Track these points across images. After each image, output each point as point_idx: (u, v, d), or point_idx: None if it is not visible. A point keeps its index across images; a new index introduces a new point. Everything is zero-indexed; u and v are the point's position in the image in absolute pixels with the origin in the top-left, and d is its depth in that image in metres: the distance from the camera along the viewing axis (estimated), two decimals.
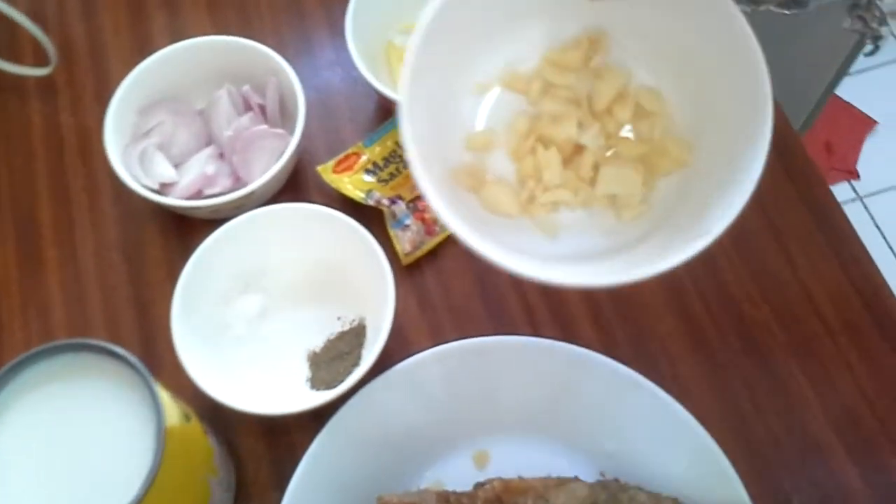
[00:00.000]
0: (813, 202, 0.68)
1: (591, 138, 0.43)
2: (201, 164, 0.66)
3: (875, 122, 1.85)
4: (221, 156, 0.67)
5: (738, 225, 0.66)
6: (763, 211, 0.67)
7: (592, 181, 0.43)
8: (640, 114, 0.43)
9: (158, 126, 0.67)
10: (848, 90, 1.83)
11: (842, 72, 0.96)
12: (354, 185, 0.66)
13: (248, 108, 0.68)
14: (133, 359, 0.45)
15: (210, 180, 0.65)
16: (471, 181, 0.44)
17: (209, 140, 0.69)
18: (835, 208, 0.68)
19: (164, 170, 0.65)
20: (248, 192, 0.62)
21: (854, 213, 1.73)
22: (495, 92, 0.44)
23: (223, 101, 0.67)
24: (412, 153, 0.38)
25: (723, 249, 0.66)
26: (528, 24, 0.42)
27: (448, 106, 0.43)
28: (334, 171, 0.67)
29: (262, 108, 0.68)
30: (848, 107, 1.86)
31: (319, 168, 0.68)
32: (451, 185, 0.43)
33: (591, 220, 0.44)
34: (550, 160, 0.43)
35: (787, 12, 0.73)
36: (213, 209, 0.63)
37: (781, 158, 0.70)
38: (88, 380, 0.46)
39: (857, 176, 1.80)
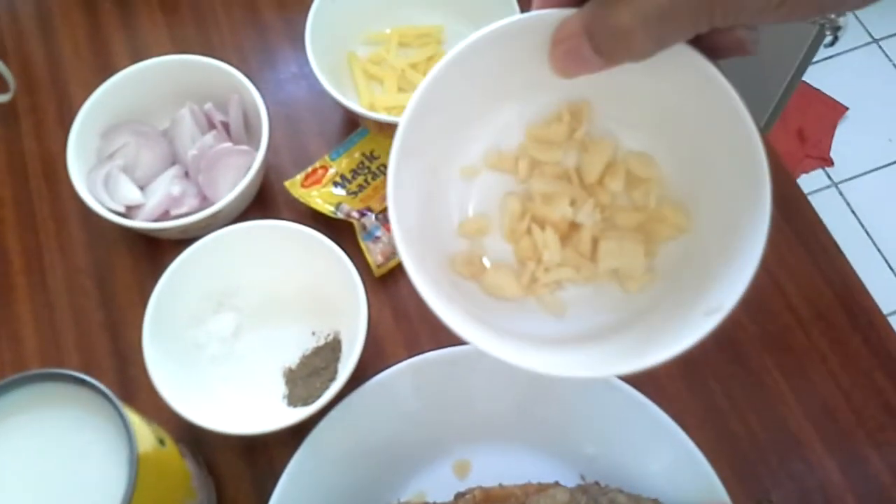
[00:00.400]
0: (779, 195, 0.67)
1: (586, 216, 0.41)
2: (167, 185, 0.65)
3: (846, 108, 1.86)
4: (187, 175, 0.67)
5: None
6: None
7: (593, 256, 0.41)
8: (632, 182, 0.41)
9: (122, 148, 0.66)
10: (818, 77, 1.85)
11: (805, 61, 0.97)
12: (323, 198, 0.66)
13: (211, 126, 0.68)
14: (103, 387, 0.44)
15: (176, 201, 0.65)
16: (469, 269, 0.42)
17: (174, 160, 0.68)
18: (801, 200, 0.68)
19: (129, 192, 0.65)
20: (214, 212, 0.62)
21: (829, 200, 1.76)
22: (483, 174, 0.43)
23: (186, 121, 0.67)
24: (404, 253, 0.37)
25: None
26: (506, 103, 0.41)
27: (437, 195, 0.42)
28: (302, 186, 0.67)
29: (226, 126, 0.67)
30: (818, 94, 1.87)
31: (287, 183, 0.67)
32: (450, 274, 0.42)
33: (598, 295, 0.42)
34: (548, 240, 0.41)
35: None
36: (181, 230, 0.62)
37: None
38: (61, 409, 0.45)
39: (830, 163, 1.81)
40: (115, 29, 0.78)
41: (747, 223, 0.36)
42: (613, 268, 0.41)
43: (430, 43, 0.74)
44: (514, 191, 0.43)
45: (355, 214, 0.65)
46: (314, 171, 0.68)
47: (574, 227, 0.42)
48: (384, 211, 0.66)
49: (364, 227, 0.65)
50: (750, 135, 0.35)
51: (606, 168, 0.41)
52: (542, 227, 0.42)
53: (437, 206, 0.42)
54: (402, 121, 0.37)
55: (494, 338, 0.38)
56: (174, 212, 0.65)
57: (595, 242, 0.41)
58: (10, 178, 0.71)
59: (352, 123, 0.71)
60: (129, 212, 0.65)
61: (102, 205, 0.63)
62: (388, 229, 0.63)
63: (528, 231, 0.42)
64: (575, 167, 0.42)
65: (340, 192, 0.67)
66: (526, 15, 0.35)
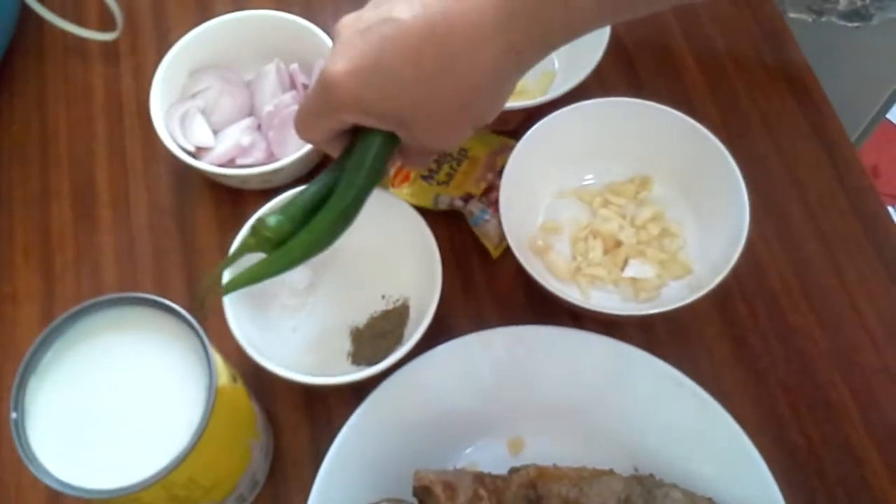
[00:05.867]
0: (864, 213, 0.67)
1: (626, 236, 0.64)
2: (238, 134, 0.66)
3: None
4: (260, 128, 0.68)
5: (789, 234, 0.66)
6: (814, 220, 0.67)
7: (622, 269, 0.63)
8: (664, 234, 0.65)
9: (205, 90, 0.68)
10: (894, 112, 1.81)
11: (892, 100, 0.94)
12: (416, 195, 0.67)
13: (293, 85, 0.69)
14: (188, 315, 0.45)
15: (244, 151, 0.66)
16: (540, 248, 0.65)
17: (251, 111, 0.69)
18: (886, 220, 0.67)
19: (202, 133, 0.66)
20: (275, 169, 0.63)
21: None
22: (567, 199, 0.67)
23: (270, 76, 0.68)
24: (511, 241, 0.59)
25: (771, 256, 0.66)
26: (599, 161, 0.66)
27: (533, 203, 0.66)
28: (393, 186, 0.67)
29: (307, 88, 0.68)
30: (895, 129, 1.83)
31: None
32: (527, 249, 0.63)
33: (617, 291, 0.64)
34: (596, 246, 0.64)
35: (849, 25, 0.72)
36: (241, 180, 0.64)
37: (835, 168, 0.69)
38: (141, 333, 0.47)
39: None
40: None
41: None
42: (633, 276, 0.63)
43: None
44: (585, 212, 0.66)
45: (459, 202, 0.66)
46: (399, 168, 0.68)
47: (616, 245, 0.64)
48: (486, 192, 0.66)
49: (472, 213, 0.66)
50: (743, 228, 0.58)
51: (651, 219, 0.65)
52: (595, 238, 0.64)
53: (532, 209, 0.66)
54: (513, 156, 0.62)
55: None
56: (240, 161, 0.66)
57: (626, 259, 0.64)
58: (106, 114, 0.73)
59: None
60: (199, 153, 0.67)
61: (175, 141, 0.64)
62: (495, 210, 0.64)
63: (585, 238, 0.65)
64: (631, 215, 0.65)
65: (432, 184, 0.67)
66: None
